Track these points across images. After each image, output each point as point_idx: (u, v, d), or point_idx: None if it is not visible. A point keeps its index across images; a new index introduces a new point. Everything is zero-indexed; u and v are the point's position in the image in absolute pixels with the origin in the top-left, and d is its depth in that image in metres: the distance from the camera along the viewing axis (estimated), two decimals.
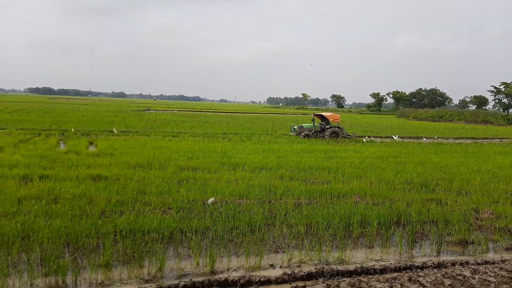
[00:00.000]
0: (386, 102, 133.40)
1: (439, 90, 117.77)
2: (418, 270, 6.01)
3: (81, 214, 7.35)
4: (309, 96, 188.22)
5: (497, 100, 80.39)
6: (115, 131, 24.47)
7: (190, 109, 75.53)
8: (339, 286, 5.35)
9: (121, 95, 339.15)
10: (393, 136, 28.75)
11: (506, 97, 76.73)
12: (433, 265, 6.15)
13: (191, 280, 5.33)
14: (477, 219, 8.51)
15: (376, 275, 5.78)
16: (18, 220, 6.70)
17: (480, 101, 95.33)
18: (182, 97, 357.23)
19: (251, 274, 5.64)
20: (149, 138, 21.14)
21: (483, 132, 39.45)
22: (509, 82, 75.37)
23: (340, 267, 6.01)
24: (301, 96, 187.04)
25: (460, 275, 5.77)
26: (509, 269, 6.01)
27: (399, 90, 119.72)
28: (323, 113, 26.83)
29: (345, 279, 5.62)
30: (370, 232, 7.48)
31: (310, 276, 5.66)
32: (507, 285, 5.46)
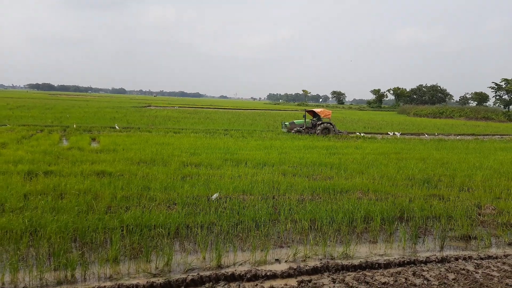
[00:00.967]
0: (387, 99, 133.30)
1: (439, 87, 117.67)
2: (422, 264, 6.08)
3: (88, 210, 7.41)
4: (310, 92, 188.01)
5: (497, 97, 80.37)
6: (117, 127, 24.52)
7: (190, 106, 75.48)
8: (344, 280, 5.42)
9: (121, 91, 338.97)
10: (389, 133, 28.79)
11: (507, 94, 76.68)
12: (437, 260, 6.22)
13: (198, 274, 5.41)
14: (479, 214, 8.58)
15: (381, 270, 5.85)
16: (25, 215, 6.77)
17: (481, 98, 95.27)
18: (182, 94, 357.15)
19: (257, 268, 5.71)
20: (151, 134, 21.19)
21: (484, 128, 39.50)
22: (510, 78, 75.30)
23: (345, 262, 6.08)
24: (301, 92, 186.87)
25: (463, 269, 5.84)
26: None
27: (399, 87, 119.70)
28: (314, 109, 26.67)
29: (350, 273, 5.69)
30: (374, 227, 7.55)
31: (315, 271, 5.72)
32: (510, 279, 5.54)
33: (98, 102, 68.84)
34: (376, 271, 5.80)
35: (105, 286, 4.98)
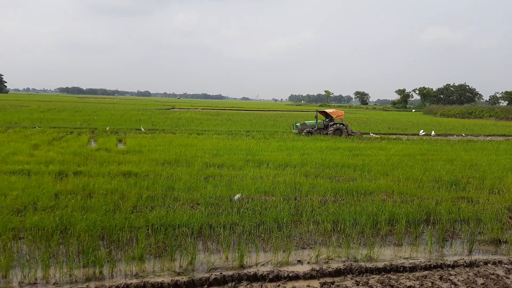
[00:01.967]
0: (412, 99, 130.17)
1: (468, 86, 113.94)
2: (449, 268, 5.91)
3: (115, 209, 7.64)
4: (332, 93, 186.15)
5: None
6: (142, 129, 25.10)
7: (213, 107, 76.27)
8: (368, 283, 5.35)
9: (146, 94, 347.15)
10: (421, 132, 28.05)
11: None
12: (465, 264, 6.03)
13: (221, 273, 5.47)
14: (510, 218, 8.24)
15: (406, 273, 5.73)
16: (56, 214, 7.05)
17: None
18: (205, 96, 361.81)
19: (279, 269, 5.72)
20: (175, 136, 21.57)
21: None
22: None
23: (369, 264, 6.00)
24: (323, 93, 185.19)
25: (493, 274, 5.64)
26: None
27: (425, 86, 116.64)
28: (326, 110, 26.20)
29: (374, 276, 5.61)
30: (399, 230, 7.40)
31: (338, 273, 5.68)
32: None
33: (124, 105, 70.67)
34: (401, 274, 5.69)
35: (131, 283, 5.12)
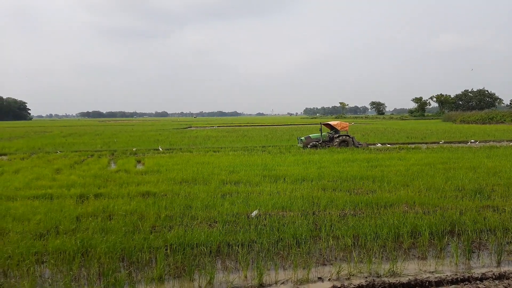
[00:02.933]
0: (430, 107, 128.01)
1: (487, 91, 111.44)
2: (478, 281, 5.67)
3: (134, 230, 7.72)
4: (347, 104, 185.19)
5: None
6: (160, 149, 25.48)
7: (229, 124, 76.92)
8: None
9: (164, 114, 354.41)
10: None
11: None
12: (494, 276, 5.78)
13: None
14: None
15: None
16: (77, 236, 7.17)
17: None
18: (221, 113, 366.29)
19: (299, 287, 5.61)
20: (192, 154, 21.79)
21: None
22: None
23: (392, 280, 5.82)
24: (338, 105, 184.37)
25: None
26: None
27: (443, 93, 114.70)
28: (330, 122, 25.75)
29: None
30: (422, 242, 7.18)
31: None
32: None
33: (143, 126, 72.12)
34: None
35: None
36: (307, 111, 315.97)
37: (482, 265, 6.47)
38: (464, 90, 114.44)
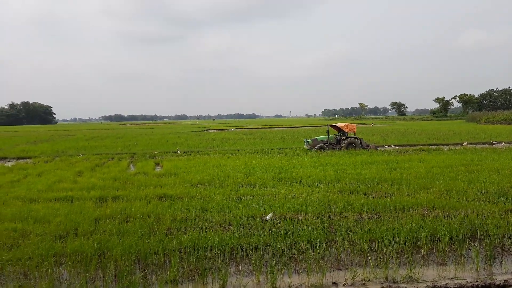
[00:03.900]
0: (453, 107, 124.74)
1: None
2: None
3: (149, 232, 7.81)
4: (367, 105, 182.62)
5: None
6: (178, 151, 25.80)
7: (246, 127, 77.10)
8: None
9: (183, 117, 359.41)
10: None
11: None
12: None
13: None
14: None
15: None
16: (95, 239, 7.32)
17: None
18: (239, 115, 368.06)
19: None
20: (209, 156, 21.94)
21: None
22: None
23: (409, 286, 5.67)
24: (358, 106, 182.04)
25: None
26: None
27: (466, 93, 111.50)
28: (337, 124, 25.30)
29: None
30: (442, 247, 6.96)
31: None
32: None
33: (162, 129, 73.24)
34: None
35: None
36: (326, 112, 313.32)
37: (505, 271, 6.21)
38: (489, 90, 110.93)
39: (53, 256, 6.68)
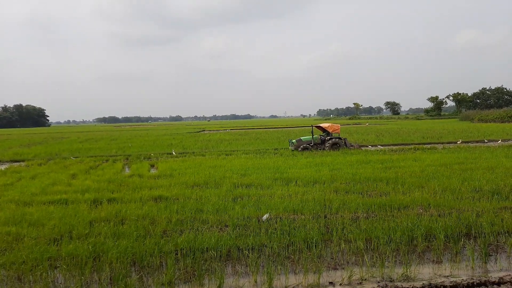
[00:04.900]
0: (446, 106, 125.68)
1: (505, 89, 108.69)
2: (495, 286, 5.49)
3: (145, 234, 7.77)
4: (361, 105, 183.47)
5: None
6: (173, 153, 25.71)
7: (242, 127, 77.06)
8: None
9: (178, 118, 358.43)
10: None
11: None
12: None
13: None
14: None
15: None
16: (90, 241, 7.26)
17: None
18: (234, 116, 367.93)
19: None
20: (204, 158, 21.88)
21: None
22: None
23: (405, 284, 5.68)
24: (352, 106, 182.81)
25: None
26: None
27: (460, 92, 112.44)
28: (321, 125, 25.56)
29: None
30: (437, 245, 6.99)
31: None
32: None
33: (157, 130, 72.95)
34: None
35: None
36: (321, 112, 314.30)
37: (500, 268, 6.25)
38: (482, 88, 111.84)
39: (48, 260, 6.62)
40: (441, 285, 5.57)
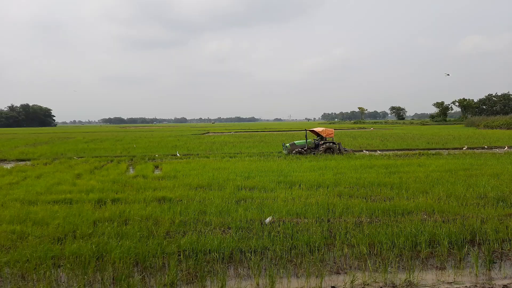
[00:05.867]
0: (452, 111, 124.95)
1: None
2: None
3: (148, 235, 7.80)
4: (366, 109, 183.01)
5: None
6: (178, 154, 25.77)
7: (246, 130, 77.13)
8: None
9: (183, 120, 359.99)
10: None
11: None
12: None
13: None
14: None
15: None
16: (93, 241, 7.30)
17: None
18: (239, 119, 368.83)
19: None
20: (208, 160, 21.93)
21: None
22: None
23: None
24: (357, 110, 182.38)
25: None
26: None
27: (466, 98, 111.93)
28: (315, 129, 25.47)
29: None
30: (441, 252, 6.95)
31: None
32: None
33: (162, 132, 73.18)
34: None
35: None
36: (325, 116, 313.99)
37: (504, 276, 6.20)
38: (488, 94, 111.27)
39: (51, 259, 6.66)
40: None
